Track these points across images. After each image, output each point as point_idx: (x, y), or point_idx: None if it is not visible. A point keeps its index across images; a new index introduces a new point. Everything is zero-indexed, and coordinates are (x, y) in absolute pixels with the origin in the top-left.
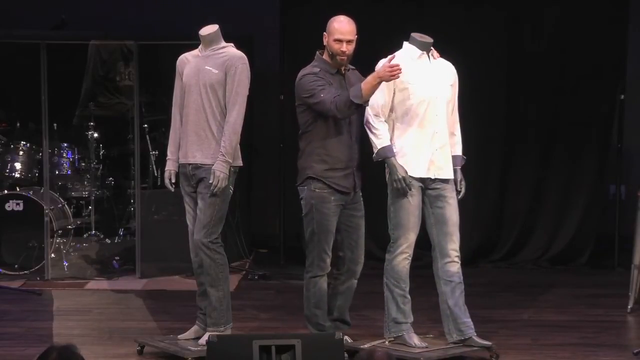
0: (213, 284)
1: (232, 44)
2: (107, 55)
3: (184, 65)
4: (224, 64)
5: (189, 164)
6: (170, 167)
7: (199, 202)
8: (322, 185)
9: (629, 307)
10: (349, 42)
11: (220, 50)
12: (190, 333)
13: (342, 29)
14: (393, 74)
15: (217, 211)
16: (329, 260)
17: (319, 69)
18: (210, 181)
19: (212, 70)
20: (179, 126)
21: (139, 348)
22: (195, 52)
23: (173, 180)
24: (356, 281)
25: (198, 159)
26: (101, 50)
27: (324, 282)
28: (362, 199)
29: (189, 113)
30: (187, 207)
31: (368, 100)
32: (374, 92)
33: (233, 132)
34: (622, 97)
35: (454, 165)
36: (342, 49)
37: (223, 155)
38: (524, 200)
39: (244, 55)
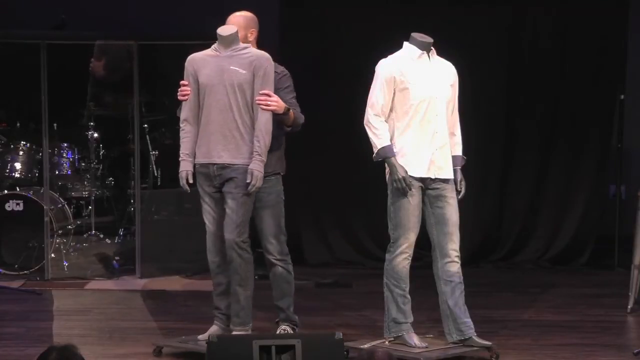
0: (242, 283)
1: (249, 44)
2: (112, 55)
3: (198, 65)
4: (252, 64)
5: (213, 164)
6: (187, 167)
7: (230, 201)
8: None
9: (629, 307)
10: None
11: (244, 51)
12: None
13: (227, 20)
14: (182, 93)
15: (248, 210)
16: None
17: None
18: (248, 181)
19: (239, 71)
20: (194, 126)
21: (155, 351)
22: (209, 52)
23: (190, 181)
24: (279, 268)
25: (225, 159)
26: (106, 49)
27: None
28: (269, 189)
29: (211, 113)
30: (206, 207)
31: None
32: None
33: (266, 132)
34: (622, 97)
35: (454, 165)
36: None
37: (259, 154)
38: (524, 200)
39: (268, 55)
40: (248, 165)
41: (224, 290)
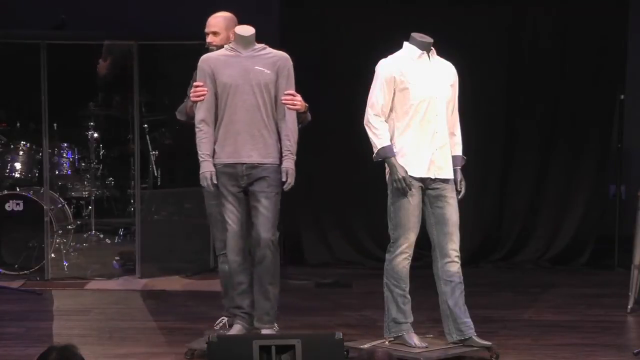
0: (273, 281)
1: (265, 45)
2: (118, 54)
3: (215, 65)
4: (275, 65)
5: (242, 164)
6: (210, 167)
7: (263, 200)
8: None
9: (629, 307)
10: (213, 33)
11: (265, 51)
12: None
13: (207, 22)
14: (197, 94)
15: (279, 209)
16: (217, 243)
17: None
18: (284, 179)
19: (264, 71)
20: (211, 126)
21: (188, 354)
22: (226, 52)
23: (215, 181)
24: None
25: (255, 159)
26: (115, 49)
27: (220, 264)
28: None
29: (237, 112)
30: (230, 207)
31: (192, 118)
32: (192, 111)
33: (295, 131)
34: (622, 97)
35: (454, 165)
36: (207, 40)
37: (292, 153)
38: (524, 200)
39: (287, 55)
40: (276, 164)
41: (246, 289)
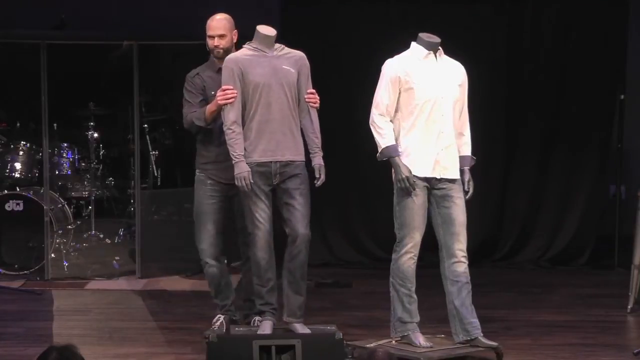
0: (304, 276)
1: (281, 45)
2: (118, 54)
3: (244, 64)
4: (297, 64)
5: (276, 162)
6: (246, 168)
7: (299, 197)
8: (199, 172)
9: (629, 307)
10: (220, 36)
11: (285, 50)
12: (266, 329)
13: (211, 25)
14: (226, 97)
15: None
16: (204, 244)
17: (196, 73)
18: (317, 175)
19: (290, 70)
20: (241, 126)
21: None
22: (250, 52)
23: (252, 180)
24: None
25: (288, 157)
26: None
27: (209, 268)
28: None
29: (271, 111)
30: (262, 206)
31: (210, 123)
32: (214, 116)
33: (319, 127)
34: (622, 97)
35: (462, 165)
36: (214, 44)
37: (320, 150)
38: (524, 200)
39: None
40: (304, 161)
41: (274, 285)
